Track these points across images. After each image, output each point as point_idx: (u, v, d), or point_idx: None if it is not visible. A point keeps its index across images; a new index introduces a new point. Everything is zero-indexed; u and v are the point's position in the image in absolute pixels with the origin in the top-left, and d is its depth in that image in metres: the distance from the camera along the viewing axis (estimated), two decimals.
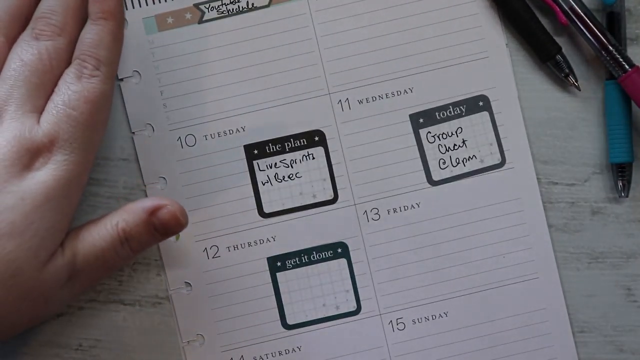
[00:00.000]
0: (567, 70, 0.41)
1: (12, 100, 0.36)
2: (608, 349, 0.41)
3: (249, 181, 0.41)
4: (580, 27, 0.40)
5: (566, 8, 0.40)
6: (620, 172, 0.41)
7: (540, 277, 0.41)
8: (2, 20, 0.38)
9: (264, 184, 0.41)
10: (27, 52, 0.37)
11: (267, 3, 0.42)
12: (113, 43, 0.38)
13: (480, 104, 0.42)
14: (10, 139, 0.35)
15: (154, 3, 0.41)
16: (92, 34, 0.38)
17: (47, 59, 0.37)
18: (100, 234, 0.37)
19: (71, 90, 0.36)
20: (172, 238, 0.41)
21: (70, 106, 0.36)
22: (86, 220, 0.40)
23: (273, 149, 0.41)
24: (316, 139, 0.41)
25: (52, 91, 0.37)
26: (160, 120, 0.41)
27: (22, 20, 0.39)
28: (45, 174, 0.35)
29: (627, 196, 0.41)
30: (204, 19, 0.42)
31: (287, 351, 0.41)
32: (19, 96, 0.36)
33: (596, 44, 0.40)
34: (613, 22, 0.41)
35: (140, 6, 0.41)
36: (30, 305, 0.36)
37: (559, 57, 0.41)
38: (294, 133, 0.41)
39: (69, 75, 0.37)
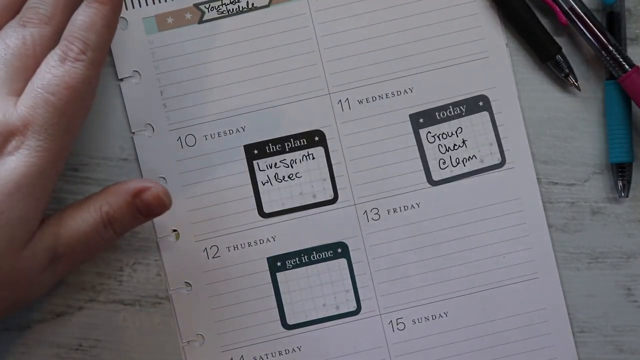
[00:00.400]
0: (567, 70, 0.41)
1: None
2: (608, 349, 0.41)
3: (249, 181, 0.41)
4: (580, 27, 0.40)
5: (566, 8, 0.40)
6: (620, 172, 0.41)
7: (540, 277, 0.41)
8: None
9: (264, 184, 0.41)
10: (11, 37, 0.36)
11: (267, 3, 0.42)
12: (105, 29, 0.36)
13: (480, 104, 0.42)
14: None
15: (154, 3, 0.41)
16: (84, 16, 0.36)
17: (30, 44, 0.36)
18: (83, 217, 0.37)
19: (52, 73, 0.35)
20: (172, 238, 0.41)
21: (49, 90, 0.34)
22: None
23: (273, 149, 0.41)
24: (316, 139, 0.41)
25: (30, 77, 0.36)
26: (160, 120, 0.41)
27: (14, 12, 0.38)
28: (17, 161, 0.34)
29: (627, 196, 0.41)
30: (204, 19, 0.42)
31: (287, 351, 0.41)
32: None
33: (596, 44, 0.40)
34: (613, 22, 0.41)
35: (140, 6, 0.41)
36: (10, 291, 0.36)
37: (559, 57, 0.41)
38: (294, 133, 0.41)
39: (53, 57, 0.35)
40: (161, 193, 0.37)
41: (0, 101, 0.35)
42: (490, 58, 0.42)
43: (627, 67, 0.40)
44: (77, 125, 0.36)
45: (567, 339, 0.41)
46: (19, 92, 0.35)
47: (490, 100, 0.42)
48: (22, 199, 0.34)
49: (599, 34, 0.40)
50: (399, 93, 0.42)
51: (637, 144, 0.41)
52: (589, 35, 0.40)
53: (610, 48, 0.40)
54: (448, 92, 0.42)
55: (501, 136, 0.42)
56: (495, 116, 0.42)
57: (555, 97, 0.42)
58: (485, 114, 0.42)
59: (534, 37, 0.41)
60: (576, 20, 0.40)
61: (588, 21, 0.40)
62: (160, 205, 0.38)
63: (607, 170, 0.42)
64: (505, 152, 0.41)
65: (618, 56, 0.40)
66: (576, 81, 0.41)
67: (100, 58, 0.36)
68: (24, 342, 0.41)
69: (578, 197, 0.42)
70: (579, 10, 0.40)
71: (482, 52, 0.42)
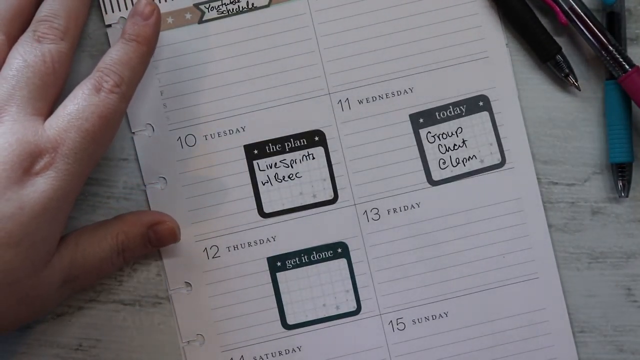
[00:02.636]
0: (567, 70, 0.41)
1: (14, 101, 0.35)
2: (608, 349, 0.41)
3: (249, 181, 0.41)
4: (580, 27, 0.40)
5: (566, 8, 0.40)
6: (620, 172, 0.41)
7: (540, 277, 0.41)
8: (3, 19, 0.38)
9: (264, 184, 0.41)
10: (30, 54, 0.36)
11: (267, 3, 0.42)
12: (139, 66, 0.38)
13: (480, 104, 0.42)
14: (12, 142, 0.34)
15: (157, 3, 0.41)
16: (121, 52, 0.37)
17: (50, 61, 0.36)
18: (100, 245, 0.38)
19: (87, 101, 0.36)
20: None
21: (82, 117, 0.35)
22: (84, 220, 0.41)
23: (273, 149, 0.41)
24: (316, 139, 0.41)
25: (54, 94, 0.37)
26: (160, 120, 0.41)
27: (23, 20, 0.38)
28: (45, 183, 0.34)
29: (627, 196, 0.41)
30: (204, 19, 0.42)
31: (287, 351, 0.41)
32: (21, 97, 0.36)
33: (596, 44, 0.40)
34: (613, 22, 0.41)
35: None
36: (27, 306, 0.36)
37: (559, 57, 0.41)
38: (294, 133, 0.41)
39: (87, 86, 0.36)
40: (175, 227, 0.40)
41: (26, 121, 0.35)
42: (491, 58, 0.42)
43: (627, 67, 0.40)
44: (101, 153, 0.37)
45: (567, 339, 0.41)
46: (41, 111, 0.36)
47: (491, 100, 0.42)
48: (47, 222, 0.35)
49: (599, 34, 0.40)
50: (399, 93, 0.41)
51: (637, 144, 0.41)
52: (589, 35, 0.40)
53: (610, 48, 0.40)
54: (448, 92, 0.42)
55: (501, 136, 0.41)
56: (496, 116, 0.42)
57: (555, 97, 0.42)
58: (485, 114, 0.42)
59: (534, 37, 0.41)
60: (576, 20, 0.40)
61: (588, 21, 0.40)
62: (172, 238, 0.40)
63: (607, 170, 0.42)
64: (505, 152, 0.41)
65: (618, 56, 0.40)
66: (576, 81, 0.41)
67: (132, 92, 0.38)
68: (24, 342, 0.41)
69: (578, 197, 0.42)
70: (579, 10, 0.40)
71: (482, 52, 0.42)
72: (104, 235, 0.39)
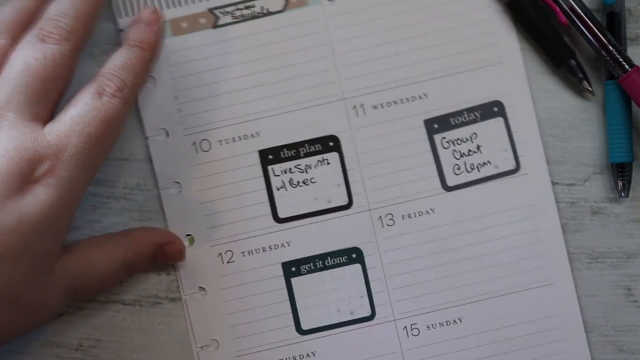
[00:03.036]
0: (580, 75, 0.41)
1: (12, 106, 0.34)
2: (608, 349, 0.41)
3: (264, 186, 0.41)
4: (580, 27, 0.40)
5: (566, 8, 0.40)
6: (620, 172, 0.41)
7: (554, 283, 0.41)
8: (8, 22, 0.37)
9: (278, 189, 0.41)
10: (31, 56, 0.35)
11: (281, 8, 0.42)
12: (142, 72, 0.38)
13: (495, 109, 0.42)
14: (9, 149, 0.33)
15: (168, 7, 0.41)
16: (124, 57, 0.37)
17: (51, 65, 0.35)
18: (108, 260, 0.38)
19: (89, 106, 0.35)
20: (187, 242, 0.41)
21: (85, 121, 0.35)
22: (84, 220, 0.41)
23: (288, 154, 0.41)
24: (331, 144, 0.41)
25: (55, 99, 0.36)
26: (175, 125, 0.41)
27: (30, 23, 0.38)
28: (45, 191, 0.33)
29: (627, 196, 0.41)
30: (218, 24, 0.42)
31: (301, 356, 0.41)
32: (19, 102, 0.34)
33: (596, 44, 0.40)
34: (613, 22, 0.41)
35: None
36: (27, 316, 0.36)
37: (572, 61, 0.41)
38: (308, 138, 0.41)
39: (90, 90, 0.36)
40: (182, 249, 0.40)
41: (24, 128, 0.34)
42: (505, 64, 0.42)
43: (627, 67, 0.40)
44: (102, 158, 0.37)
45: (581, 344, 0.41)
46: (41, 117, 0.35)
47: (505, 106, 0.42)
48: (48, 231, 0.34)
49: (599, 34, 0.40)
50: (413, 99, 0.41)
51: (637, 144, 0.41)
52: (589, 35, 0.40)
53: (610, 48, 0.40)
54: (462, 98, 0.41)
55: (516, 142, 0.41)
56: (510, 122, 0.41)
57: (555, 97, 0.42)
58: (500, 119, 0.42)
59: (548, 42, 0.41)
60: (576, 20, 0.40)
61: (588, 21, 0.40)
62: (178, 259, 0.41)
63: (607, 170, 0.42)
64: (520, 158, 0.41)
65: (618, 56, 0.40)
66: (590, 86, 0.41)
67: (134, 97, 0.38)
68: (24, 342, 0.41)
69: (578, 197, 0.42)
70: (579, 10, 0.40)
71: (496, 58, 0.42)
72: (112, 251, 0.38)
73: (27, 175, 0.33)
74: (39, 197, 0.33)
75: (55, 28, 0.36)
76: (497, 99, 0.42)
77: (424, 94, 0.42)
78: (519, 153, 0.41)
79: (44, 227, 0.34)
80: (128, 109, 0.37)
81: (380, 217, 0.41)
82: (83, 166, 0.35)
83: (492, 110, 0.42)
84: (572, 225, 0.41)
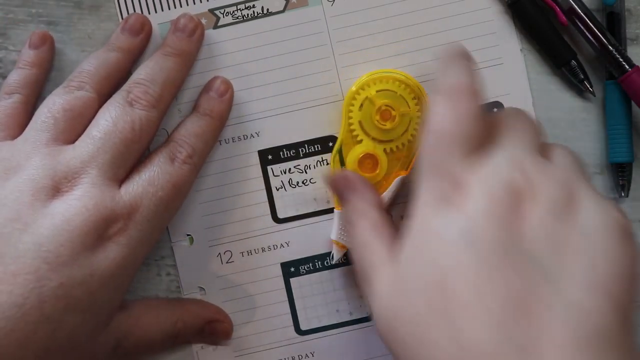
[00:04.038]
0: (581, 76, 0.41)
1: (96, 164, 0.35)
2: None
3: (263, 186, 0.41)
4: (580, 27, 0.40)
5: (566, 8, 0.40)
6: (620, 172, 0.41)
7: None
8: (96, 76, 0.38)
9: (278, 190, 0.41)
10: (120, 118, 0.36)
11: (282, 9, 0.42)
12: (212, 140, 0.40)
13: (495, 110, 0.41)
14: (90, 207, 0.34)
15: (169, 8, 0.41)
16: (195, 125, 0.39)
17: (138, 130, 0.36)
18: (159, 326, 0.38)
19: (162, 170, 0.36)
20: (186, 242, 0.41)
21: (158, 185, 0.36)
22: None
23: (287, 154, 0.41)
24: (330, 144, 0.41)
25: (134, 162, 0.37)
26: (173, 126, 0.41)
27: (116, 80, 0.39)
28: (116, 249, 0.34)
29: (627, 196, 0.41)
30: (219, 24, 0.42)
31: (300, 357, 0.41)
32: (104, 161, 0.35)
33: (596, 44, 0.40)
34: (613, 22, 0.41)
35: (155, 12, 0.41)
36: None
37: (573, 62, 0.41)
38: (308, 139, 0.41)
39: (163, 155, 0.37)
40: (230, 328, 0.41)
41: (104, 187, 0.35)
42: (505, 65, 0.42)
43: (627, 67, 0.40)
44: (170, 219, 0.38)
45: None
46: (120, 177, 0.36)
47: (505, 106, 0.41)
48: (113, 288, 0.35)
49: (599, 34, 0.40)
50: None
51: (637, 144, 0.41)
52: (589, 35, 0.40)
53: (610, 48, 0.40)
54: None
55: None
56: None
57: (555, 97, 0.42)
58: None
59: (549, 43, 0.41)
60: (576, 20, 0.40)
61: (588, 21, 0.40)
62: (225, 338, 0.41)
63: (607, 170, 0.42)
64: None
65: (618, 56, 0.40)
66: (591, 86, 0.41)
67: (202, 165, 0.39)
68: None
69: None
70: (579, 11, 0.40)
71: (497, 59, 0.42)
72: (165, 317, 0.39)
73: (101, 232, 0.34)
74: (109, 254, 0.34)
75: (144, 94, 0.37)
76: (498, 100, 0.41)
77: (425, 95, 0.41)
78: None
79: (111, 283, 0.34)
80: (196, 175, 0.39)
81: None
82: (153, 227, 0.36)
83: (492, 110, 0.41)
84: None
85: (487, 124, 0.32)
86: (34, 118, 0.37)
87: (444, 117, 0.31)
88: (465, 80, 0.31)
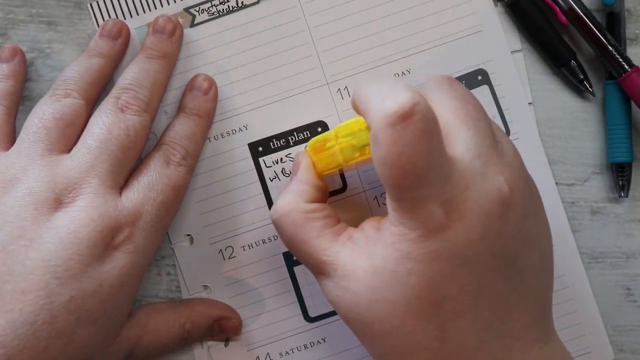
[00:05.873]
0: (581, 76, 0.41)
1: (95, 173, 0.35)
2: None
3: (257, 179, 0.41)
4: (580, 28, 0.40)
5: (566, 8, 0.40)
6: (620, 172, 0.41)
7: (566, 274, 0.41)
8: (81, 83, 0.38)
9: (272, 180, 0.41)
10: (114, 125, 0.36)
11: (256, 0, 0.41)
12: (202, 139, 0.40)
13: (479, 78, 0.41)
14: (95, 217, 0.34)
15: (144, 12, 0.41)
16: (185, 126, 0.39)
17: (133, 135, 0.36)
18: (167, 329, 0.38)
19: (160, 174, 0.36)
20: (187, 242, 0.41)
21: (157, 189, 0.36)
22: None
23: (277, 144, 0.41)
24: (319, 130, 0.41)
25: (131, 167, 0.37)
26: (161, 128, 0.41)
27: (101, 86, 0.39)
28: (123, 258, 0.34)
29: (627, 196, 0.41)
30: (195, 22, 0.42)
31: (312, 344, 0.41)
32: (103, 170, 0.35)
33: (596, 44, 0.40)
34: (613, 22, 0.41)
35: (131, 16, 0.41)
36: None
37: (573, 62, 0.41)
38: (296, 126, 0.41)
39: (157, 159, 0.37)
40: (239, 325, 0.40)
41: (106, 195, 0.35)
42: (484, 31, 0.42)
43: (627, 67, 0.40)
44: (171, 223, 0.38)
45: (601, 337, 0.41)
46: (119, 184, 0.36)
47: (489, 73, 0.41)
48: (123, 297, 0.35)
49: (598, 34, 0.40)
50: (396, 75, 0.41)
51: (637, 144, 0.41)
52: (588, 36, 0.40)
53: (610, 48, 0.40)
54: (446, 70, 0.41)
55: (503, 108, 0.41)
56: (495, 89, 0.41)
57: (555, 97, 0.42)
58: (485, 87, 0.41)
59: (548, 43, 0.41)
60: (576, 21, 0.40)
61: (588, 21, 0.40)
62: (235, 334, 0.41)
63: (607, 170, 0.42)
64: (509, 123, 0.41)
65: (618, 56, 0.40)
66: (590, 87, 0.41)
67: (195, 164, 0.40)
68: None
69: (578, 197, 0.42)
70: (579, 11, 0.40)
71: (475, 27, 0.42)
72: (172, 320, 0.39)
73: (108, 242, 0.34)
74: (117, 263, 0.34)
75: (134, 99, 0.37)
76: (481, 67, 0.41)
77: (407, 70, 0.41)
78: (508, 119, 0.41)
79: (121, 292, 0.34)
80: (190, 176, 0.39)
81: (376, 197, 0.41)
82: (157, 231, 0.36)
83: (476, 79, 0.41)
84: (572, 225, 0.41)
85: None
86: (24, 129, 0.36)
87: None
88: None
